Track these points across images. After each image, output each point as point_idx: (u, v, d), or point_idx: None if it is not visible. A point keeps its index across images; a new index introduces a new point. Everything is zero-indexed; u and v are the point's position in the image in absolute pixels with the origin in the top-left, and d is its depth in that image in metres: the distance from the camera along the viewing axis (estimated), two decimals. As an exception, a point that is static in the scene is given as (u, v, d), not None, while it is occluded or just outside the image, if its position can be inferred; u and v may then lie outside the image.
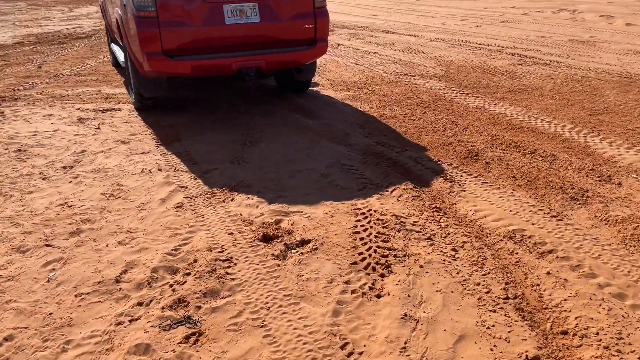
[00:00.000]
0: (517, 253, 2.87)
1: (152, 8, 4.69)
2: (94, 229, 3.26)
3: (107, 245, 3.07)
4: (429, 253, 2.89)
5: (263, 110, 5.67)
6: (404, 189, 3.65)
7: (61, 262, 2.90)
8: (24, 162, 4.40)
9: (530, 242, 2.96)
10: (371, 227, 3.17)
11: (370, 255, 2.86)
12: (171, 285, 2.68)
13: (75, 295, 2.63)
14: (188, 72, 4.98)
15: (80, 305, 2.56)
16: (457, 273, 2.71)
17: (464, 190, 3.63)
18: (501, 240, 3.00)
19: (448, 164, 4.09)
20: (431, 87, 6.39)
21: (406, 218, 3.26)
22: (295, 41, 5.23)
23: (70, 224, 3.33)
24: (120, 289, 2.67)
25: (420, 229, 3.14)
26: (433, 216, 3.28)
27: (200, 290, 2.62)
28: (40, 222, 3.36)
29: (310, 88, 6.52)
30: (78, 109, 5.87)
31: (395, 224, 3.18)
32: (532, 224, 3.15)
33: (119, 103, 6.05)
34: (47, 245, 3.08)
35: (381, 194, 3.60)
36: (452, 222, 3.20)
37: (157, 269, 2.81)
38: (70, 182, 3.96)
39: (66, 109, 5.88)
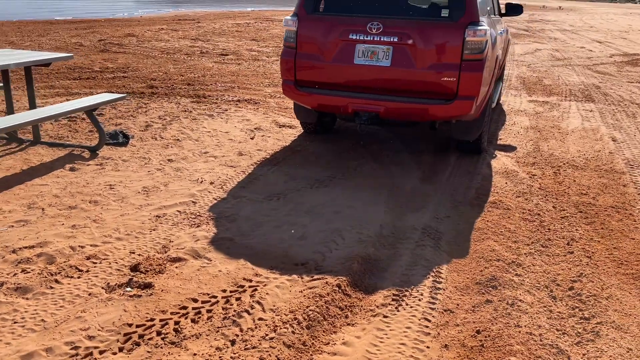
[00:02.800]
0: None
1: (293, 40, 4.92)
2: (83, 209, 3.85)
3: (53, 225, 3.60)
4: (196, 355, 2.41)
5: (395, 162, 5.19)
6: (329, 283, 2.99)
7: (20, 224, 3.59)
8: (165, 149, 5.32)
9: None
10: (212, 304, 2.79)
11: (144, 327, 2.58)
12: None
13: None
14: (310, 105, 5.02)
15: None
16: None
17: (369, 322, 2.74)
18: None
19: (436, 280, 3.08)
20: (642, 190, 4.59)
21: (260, 313, 2.73)
22: (428, 93, 4.62)
23: (82, 200, 4.00)
24: None
25: (230, 323, 2.60)
26: (287, 322, 2.64)
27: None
28: (74, 192, 4.15)
29: (500, 152, 5.55)
30: (273, 120, 6.56)
31: (230, 311, 2.71)
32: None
33: (306, 122, 6.45)
34: (42, 210, 3.83)
35: (300, 278, 3.05)
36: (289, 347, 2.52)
37: (21, 251, 3.17)
38: (149, 172, 4.66)
39: (266, 117, 6.64)
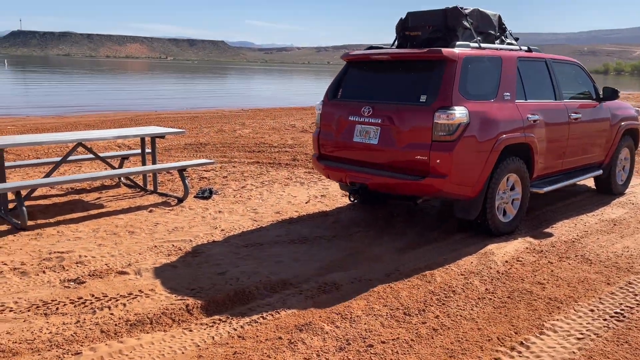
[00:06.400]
0: None
1: (319, 121, 5.94)
2: (118, 235, 5.41)
3: (89, 242, 5.24)
4: None
5: (398, 232, 5.56)
6: (184, 303, 3.91)
7: (75, 239, 5.34)
8: (231, 204, 6.71)
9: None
10: (99, 299, 3.96)
11: (44, 303, 3.90)
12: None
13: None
14: (324, 175, 5.90)
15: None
16: None
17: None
18: None
19: (263, 317, 3.72)
20: None
21: (117, 310, 3.82)
22: (406, 169, 5.10)
23: (126, 230, 5.61)
24: (40, 255, 4.91)
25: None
26: (122, 317, 3.67)
27: None
28: (129, 225, 5.78)
29: (527, 236, 5.47)
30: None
31: (102, 305, 3.85)
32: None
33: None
34: (96, 233, 5.56)
35: (174, 297, 4.03)
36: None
37: (53, 254, 4.82)
38: (193, 217, 6.07)
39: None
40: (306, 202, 6.71)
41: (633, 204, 6.88)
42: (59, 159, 6.80)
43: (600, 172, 6.81)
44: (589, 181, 7.77)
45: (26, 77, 45.95)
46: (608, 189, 7.18)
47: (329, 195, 7.07)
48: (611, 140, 6.88)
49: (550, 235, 5.53)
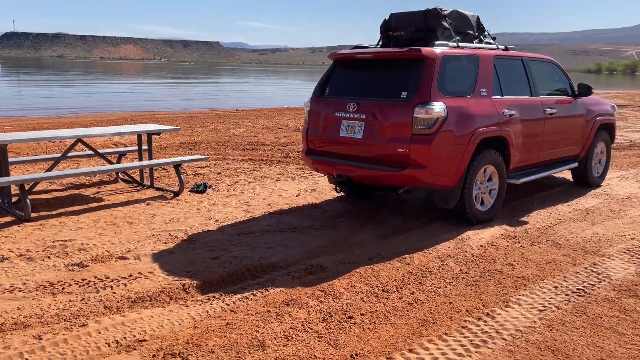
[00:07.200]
0: None
1: (307, 117, 6.27)
2: (117, 225, 5.73)
3: (90, 231, 5.56)
4: None
5: (382, 222, 5.87)
6: (181, 282, 4.23)
7: (77, 228, 5.65)
8: (224, 197, 7.06)
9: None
10: (102, 280, 4.29)
11: (50, 283, 4.22)
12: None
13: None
14: (312, 169, 6.23)
15: (31, 240, 5.32)
16: None
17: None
18: None
19: (253, 294, 4.05)
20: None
21: (119, 290, 4.14)
22: (387, 162, 5.43)
23: (125, 220, 5.93)
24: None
25: None
26: (123, 295, 4.00)
27: None
28: (128, 216, 6.09)
29: (502, 225, 5.82)
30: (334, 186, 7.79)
31: (104, 285, 4.17)
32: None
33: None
34: (96, 222, 5.87)
35: (171, 278, 4.35)
36: None
37: (56, 242, 5.14)
38: (189, 209, 6.41)
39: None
40: (296, 196, 7.04)
41: (607, 194, 7.24)
42: (59, 155, 7.10)
43: (576, 164, 7.17)
44: (567, 174, 8.14)
45: (21, 79, 46.06)
46: (585, 181, 7.54)
47: (318, 189, 7.39)
48: (586, 134, 7.24)
49: (525, 223, 5.88)
